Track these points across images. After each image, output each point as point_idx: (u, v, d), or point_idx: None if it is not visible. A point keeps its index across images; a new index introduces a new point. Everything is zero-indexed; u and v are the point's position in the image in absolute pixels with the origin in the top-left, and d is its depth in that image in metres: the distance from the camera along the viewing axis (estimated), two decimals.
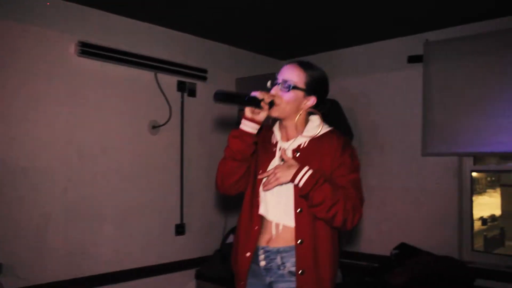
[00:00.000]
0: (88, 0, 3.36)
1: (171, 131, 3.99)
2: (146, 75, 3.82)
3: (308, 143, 1.96)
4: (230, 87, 4.32)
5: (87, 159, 3.45)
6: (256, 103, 1.85)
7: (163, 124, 3.91)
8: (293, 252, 1.90)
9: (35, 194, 3.18)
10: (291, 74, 1.94)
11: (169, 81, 3.97)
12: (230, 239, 4.25)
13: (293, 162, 1.86)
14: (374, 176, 4.18)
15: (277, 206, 1.94)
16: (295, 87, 1.92)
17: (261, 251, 1.96)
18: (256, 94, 1.87)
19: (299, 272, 1.87)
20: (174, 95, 4.02)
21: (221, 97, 1.82)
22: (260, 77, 3.89)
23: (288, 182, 1.85)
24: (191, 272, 4.13)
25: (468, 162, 3.89)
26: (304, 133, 1.98)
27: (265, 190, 1.92)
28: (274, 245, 1.95)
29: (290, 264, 1.92)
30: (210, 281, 4.06)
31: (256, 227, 1.96)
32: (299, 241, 1.88)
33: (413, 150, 4.02)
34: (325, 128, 2.01)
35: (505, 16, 3.58)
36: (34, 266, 3.16)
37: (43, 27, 3.24)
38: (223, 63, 4.43)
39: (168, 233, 3.97)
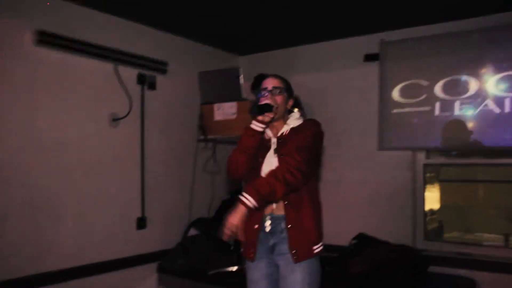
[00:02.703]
0: None
1: (131, 124, 3.93)
2: (106, 67, 3.73)
3: (289, 131, 2.42)
4: (190, 80, 4.29)
5: (45, 152, 3.34)
6: (270, 109, 2.30)
7: (123, 117, 3.84)
8: None
9: None
10: (277, 82, 2.42)
11: (130, 73, 3.91)
12: (192, 231, 4.27)
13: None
14: (332, 170, 4.31)
15: None
16: (284, 90, 2.42)
17: (267, 218, 2.36)
18: (268, 101, 2.29)
19: (288, 226, 2.30)
20: (134, 88, 3.96)
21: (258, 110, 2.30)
22: (223, 71, 3.92)
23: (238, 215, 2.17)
24: (153, 266, 4.10)
25: (421, 156, 4.09)
26: (285, 126, 2.43)
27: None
28: (278, 212, 2.35)
29: None
30: (171, 274, 4.05)
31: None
32: (286, 202, 2.31)
33: (370, 144, 4.19)
34: (301, 119, 2.49)
35: (458, 19, 3.78)
36: None
37: None
38: (183, 56, 4.41)
39: (130, 227, 3.93)
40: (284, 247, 2.32)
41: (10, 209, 3.14)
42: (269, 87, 2.39)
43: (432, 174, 4.24)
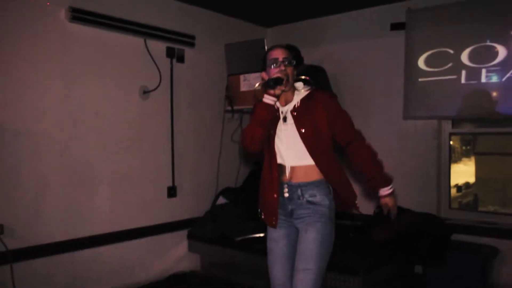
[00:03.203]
0: None
1: (161, 96, 4.07)
2: (136, 41, 3.87)
3: (300, 103, 2.47)
4: (217, 53, 4.40)
5: (81, 124, 3.52)
6: (281, 82, 2.32)
7: (154, 90, 3.98)
8: (310, 186, 2.44)
9: (33, 158, 3.26)
10: (287, 52, 2.43)
11: (159, 47, 4.03)
12: (220, 200, 4.41)
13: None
14: None
15: (290, 155, 2.47)
16: (293, 61, 2.42)
17: (285, 186, 2.48)
18: (279, 75, 2.32)
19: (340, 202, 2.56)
20: (164, 61, 4.08)
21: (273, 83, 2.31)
22: (248, 43, 4.00)
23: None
24: (183, 233, 4.30)
25: (447, 125, 4.09)
26: (295, 97, 2.50)
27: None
28: (295, 180, 2.46)
29: (308, 195, 2.44)
30: (201, 241, 4.24)
31: (276, 174, 2.47)
32: (324, 172, 2.46)
33: (395, 113, 4.20)
34: (308, 89, 2.54)
35: None
36: (33, 227, 3.26)
37: None
38: (210, 30, 4.50)
39: (161, 196, 4.11)
40: (301, 212, 2.45)
41: (50, 178, 3.35)
42: (280, 58, 2.40)
43: (468, 147, 4.23)
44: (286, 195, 2.48)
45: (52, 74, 3.36)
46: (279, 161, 2.49)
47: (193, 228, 4.30)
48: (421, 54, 4.03)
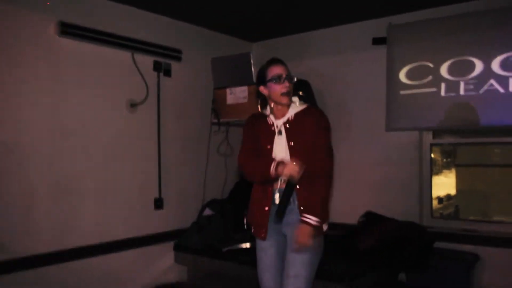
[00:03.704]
0: None
1: (149, 109, 4.12)
2: (123, 55, 3.92)
3: (294, 117, 2.56)
4: (204, 67, 4.47)
5: (69, 136, 3.55)
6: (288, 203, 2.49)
7: (141, 103, 4.04)
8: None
9: (20, 170, 3.27)
10: (287, 70, 2.55)
11: (146, 61, 4.09)
12: (206, 212, 4.44)
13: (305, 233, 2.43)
14: (341, 152, 4.36)
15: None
16: (294, 79, 2.56)
17: (276, 191, 2.54)
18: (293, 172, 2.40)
19: (301, 208, 2.47)
20: (151, 75, 4.14)
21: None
22: (234, 57, 4.08)
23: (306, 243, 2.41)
24: (170, 244, 4.31)
25: (428, 136, 4.21)
26: (290, 110, 2.57)
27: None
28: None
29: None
30: (187, 252, 4.25)
31: (270, 188, 2.55)
32: (298, 186, 2.46)
33: (378, 126, 4.30)
34: (304, 105, 2.63)
35: (464, 1, 3.87)
36: (20, 239, 3.26)
37: (23, 8, 3.29)
38: (196, 44, 4.57)
39: (147, 207, 4.13)
40: (292, 217, 2.49)
41: (37, 190, 3.36)
42: (284, 75, 2.51)
43: (449, 159, 4.33)
44: (278, 200, 2.52)
45: (40, 87, 3.39)
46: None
47: (180, 239, 4.31)
48: (402, 68, 4.15)
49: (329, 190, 2.50)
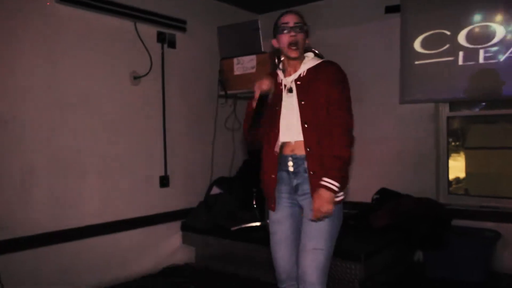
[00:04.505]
0: None
1: (152, 82, 3.95)
2: (126, 25, 3.75)
3: (306, 72, 2.29)
4: (209, 38, 4.31)
5: (68, 110, 3.39)
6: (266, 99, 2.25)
7: (144, 75, 3.86)
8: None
9: (18, 145, 3.12)
10: (299, 18, 2.26)
11: (149, 31, 3.92)
12: (214, 190, 4.29)
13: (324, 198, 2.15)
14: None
15: (293, 128, 2.27)
16: (305, 28, 2.26)
17: (289, 158, 2.28)
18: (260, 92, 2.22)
19: (311, 173, 2.20)
20: (154, 46, 3.97)
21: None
22: (241, 25, 3.88)
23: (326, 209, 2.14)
24: (177, 224, 4.16)
25: (445, 108, 4.03)
26: (302, 66, 2.31)
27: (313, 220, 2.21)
28: (300, 152, 2.25)
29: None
30: (195, 232, 4.10)
31: (277, 151, 2.30)
32: (308, 149, 2.21)
33: (392, 98, 4.14)
34: (319, 59, 2.35)
35: None
36: (19, 218, 3.12)
37: None
38: (202, 15, 4.39)
39: (153, 185, 3.98)
40: (307, 187, 2.24)
41: (36, 166, 3.21)
42: (291, 23, 2.24)
43: (458, 143, 4.17)
44: (291, 169, 2.29)
45: (37, 58, 3.23)
46: (282, 137, 2.30)
47: (187, 219, 4.17)
48: (417, 37, 3.97)
49: (350, 150, 2.20)
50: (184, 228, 4.18)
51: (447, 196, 4.01)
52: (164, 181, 4.05)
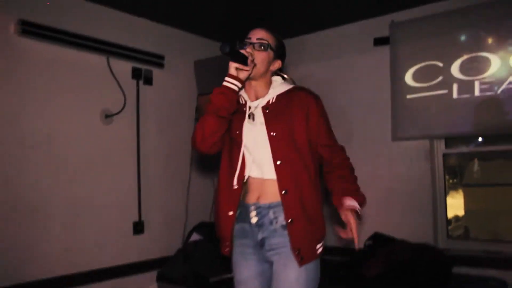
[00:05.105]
0: None
1: (126, 121, 3.73)
2: (97, 59, 3.56)
3: (276, 99, 2.02)
4: (188, 74, 4.12)
5: (31, 149, 3.16)
6: (244, 60, 1.87)
7: (117, 113, 3.64)
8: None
9: None
10: (265, 35, 2.01)
11: (123, 67, 3.72)
12: (194, 237, 3.99)
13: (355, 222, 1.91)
14: None
15: (258, 164, 1.99)
16: (270, 47, 2.00)
17: (252, 208, 1.97)
18: (244, 52, 1.89)
19: (289, 221, 1.89)
20: (129, 83, 3.77)
21: (228, 49, 1.81)
22: (219, 58, 3.67)
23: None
24: (152, 274, 3.83)
25: (440, 145, 3.77)
26: (271, 91, 2.04)
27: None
28: (265, 201, 1.96)
29: (282, 218, 1.93)
30: (172, 283, 3.77)
31: (237, 186, 1.98)
32: (284, 191, 1.91)
33: (383, 135, 3.91)
34: (290, 85, 2.08)
35: None
36: None
37: None
38: (180, 49, 4.22)
39: (125, 232, 3.69)
40: (276, 241, 1.93)
41: None
42: (253, 39, 1.98)
43: (455, 180, 3.95)
44: (254, 220, 1.96)
45: None
46: (248, 171, 1.99)
47: (163, 269, 3.85)
48: (408, 69, 3.77)
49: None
50: (160, 278, 3.84)
51: (446, 241, 3.69)
52: (138, 227, 3.75)
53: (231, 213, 1.97)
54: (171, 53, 4.06)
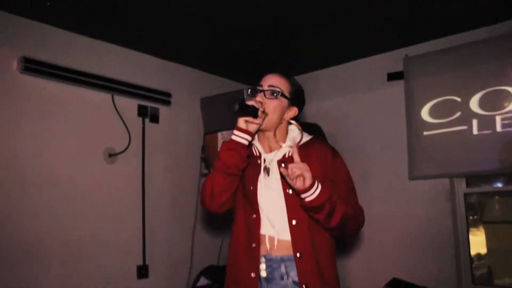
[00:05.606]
0: (35, 13, 3.05)
1: (131, 160, 3.59)
2: (102, 97, 3.47)
3: (291, 152, 1.84)
4: (197, 112, 4.00)
5: (30, 189, 3.03)
6: (254, 113, 1.74)
7: (121, 152, 3.51)
8: None
9: None
10: (278, 81, 1.87)
11: (129, 105, 3.63)
12: (202, 281, 3.78)
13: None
14: None
15: (273, 220, 1.83)
16: (282, 95, 1.85)
17: (262, 259, 1.82)
18: (252, 103, 1.76)
19: (303, 287, 1.74)
20: (134, 120, 3.66)
21: (237, 107, 1.70)
22: (226, 95, 3.58)
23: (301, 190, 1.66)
24: None
25: (461, 184, 3.57)
26: (287, 143, 1.90)
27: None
28: (276, 253, 1.82)
29: (294, 274, 1.78)
30: None
31: (255, 245, 1.83)
32: (298, 254, 1.77)
33: (400, 174, 3.74)
34: (307, 136, 1.94)
35: (488, 25, 3.39)
36: None
37: None
38: (188, 87, 4.12)
39: (129, 276, 3.50)
40: None
41: None
42: (264, 86, 1.85)
43: (475, 217, 3.73)
44: (264, 273, 1.81)
45: None
46: (262, 230, 1.84)
47: None
48: (424, 105, 3.62)
49: (353, 219, 1.78)
50: None
51: (471, 286, 3.42)
52: (142, 272, 3.56)
53: (253, 275, 1.80)
54: (178, 90, 3.97)
